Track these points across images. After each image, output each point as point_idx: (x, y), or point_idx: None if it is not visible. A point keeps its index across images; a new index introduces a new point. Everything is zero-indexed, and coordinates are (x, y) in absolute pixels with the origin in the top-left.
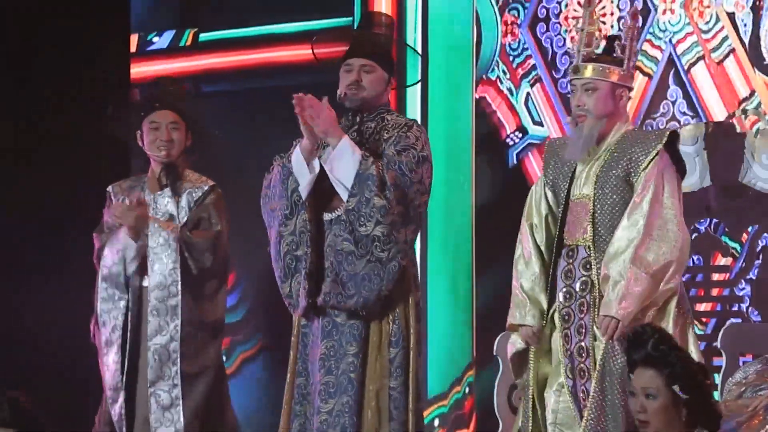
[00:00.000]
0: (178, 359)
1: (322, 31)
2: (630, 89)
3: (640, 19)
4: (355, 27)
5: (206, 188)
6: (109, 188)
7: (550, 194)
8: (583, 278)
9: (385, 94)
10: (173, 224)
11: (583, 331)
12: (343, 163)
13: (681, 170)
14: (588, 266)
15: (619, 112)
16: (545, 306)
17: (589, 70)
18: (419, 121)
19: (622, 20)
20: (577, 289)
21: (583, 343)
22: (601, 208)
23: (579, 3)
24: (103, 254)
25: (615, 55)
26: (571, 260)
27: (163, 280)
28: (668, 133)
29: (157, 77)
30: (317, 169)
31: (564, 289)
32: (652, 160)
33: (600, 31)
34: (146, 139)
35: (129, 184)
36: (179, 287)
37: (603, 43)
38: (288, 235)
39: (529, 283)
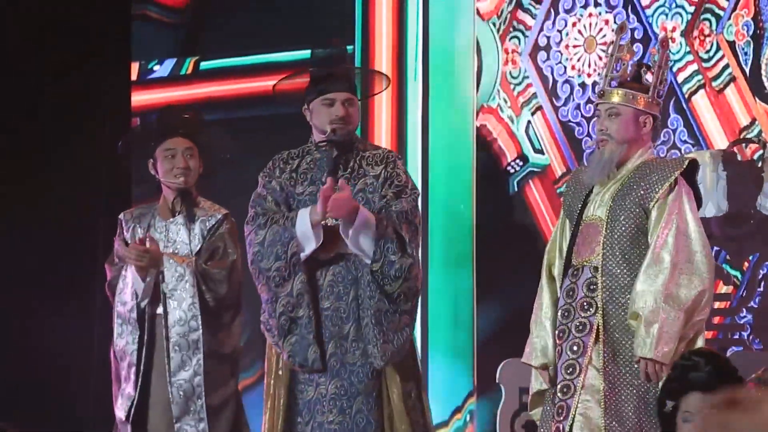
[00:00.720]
0: (203, 393)
1: (284, 69)
2: (655, 117)
3: (670, 47)
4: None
5: (220, 217)
6: (121, 216)
7: (567, 222)
8: (586, 299)
9: (358, 123)
10: (188, 258)
11: (578, 350)
12: (363, 234)
13: (697, 200)
14: (592, 287)
15: (642, 138)
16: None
17: (614, 96)
18: (420, 150)
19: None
20: (577, 309)
21: (575, 362)
22: (612, 231)
23: (579, 32)
24: (117, 290)
25: (642, 81)
26: (574, 279)
27: (183, 315)
28: (687, 161)
29: (166, 105)
30: (322, 238)
31: (564, 307)
32: (669, 187)
33: (629, 57)
34: (161, 167)
35: (140, 212)
36: (199, 321)
37: (630, 69)
38: (285, 296)
39: (542, 328)
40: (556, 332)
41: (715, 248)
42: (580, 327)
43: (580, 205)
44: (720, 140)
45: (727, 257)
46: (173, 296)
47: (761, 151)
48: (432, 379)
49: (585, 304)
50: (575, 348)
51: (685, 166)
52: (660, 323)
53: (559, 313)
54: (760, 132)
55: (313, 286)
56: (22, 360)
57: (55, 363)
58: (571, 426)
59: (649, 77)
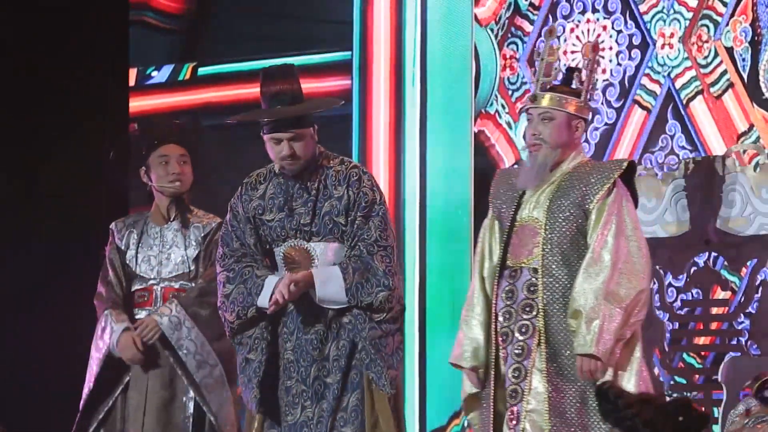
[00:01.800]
0: (234, 419)
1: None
2: (586, 121)
3: (600, 50)
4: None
5: (214, 225)
6: (112, 225)
7: (497, 224)
8: (527, 300)
9: (315, 144)
10: (167, 309)
11: (522, 353)
12: (331, 293)
13: (634, 201)
14: (533, 289)
15: (574, 142)
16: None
17: (546, 100)
18: (418, 156)
19: (582, 51)
20: (519, 311)
21: (521, 365)
22: (551, 233)
23: (578, 37)
24: (98, 328)
25: (573, 86)
26: (513, 281)
27: (201, 358)
28: (626, 163)
29: (157, 113)
30: None
31: (505, 309)
32: (608, 189)
33: (559, 61)
34: (154, 174)
35: (133, 219)
36: (214, 355)
37: (561, 74)
38: (245, 338)
39: (474, 329)
40: (500, 336)
41: (714, 254)
42: (523, 329)
43: (513, 207)
44: (718, 146)
45: (725, 263)
46: (181, 346)
47: (759, 157)
48: (430, 385)
49: (526, 306)
50: (519, 351)
51: (623, 168)
52: (601, 320)
53: (500, 316)
54: (758, 138)
55: (273, 334)
56: (21, 363)
57: (53, 366)
58: (523, 430)
59: (580, 81)
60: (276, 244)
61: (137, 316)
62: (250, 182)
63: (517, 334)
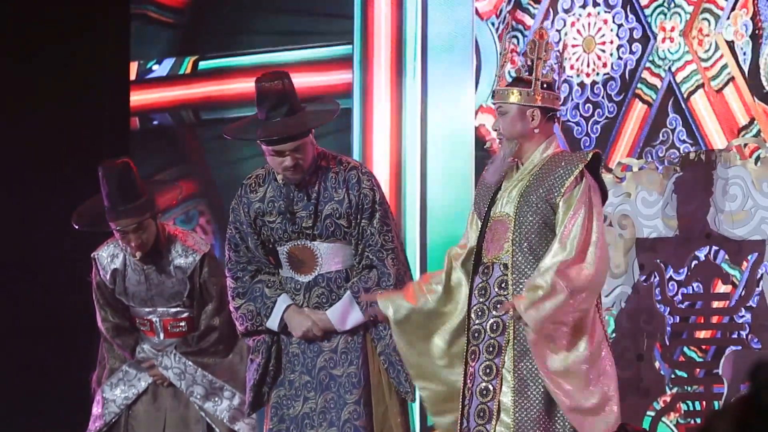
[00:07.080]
0: None
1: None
2: (546, 109)
3: (548, 37)
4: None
5: (197, 262)
6: (94, 254)
7: (476, 220)
8: (499, 297)
9: (314, 148)
10: (168, 360)
11: (494, 351)
12: (351, 322)
13: (603, 194)
14: (504, 285)
15: (534, 132)
16: None
17: (500, 95)
18: (419, 150)
19: (526, 39)
20: (491, 308)
21: (492, 363)
22: (520, 228)
23: (578, 31)
24: (106, 371)
25: (521, 76)
26: (486, 277)
27: (218, 399)
28: (591, 154)
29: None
30: None
31: (478, 306)
32: (575, 180)
33: (514, 56)
34: (119, 239)
35: (113, 252)
36: (230, 387)
37: (512, 67)
38: (251, 340)
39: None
40: (471, 332)
41: (714, 248)
42: (494, 327)
43: (487, 203)
44: (719, 140)
45: (726, 256)
46: (193, 393)
47: (760, 151)
48: None
49: (497, 303)
50: (491, 349)
51: (589, 159)
52: (546, 288)
53: (472, 312)
54: (758, 131)
55: (278, 334)
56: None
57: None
58: (494, 427)
59: (528, 71)
60: (279, 243)
61: (143, 346)
62: (249, 184)
63: (488, 331)
